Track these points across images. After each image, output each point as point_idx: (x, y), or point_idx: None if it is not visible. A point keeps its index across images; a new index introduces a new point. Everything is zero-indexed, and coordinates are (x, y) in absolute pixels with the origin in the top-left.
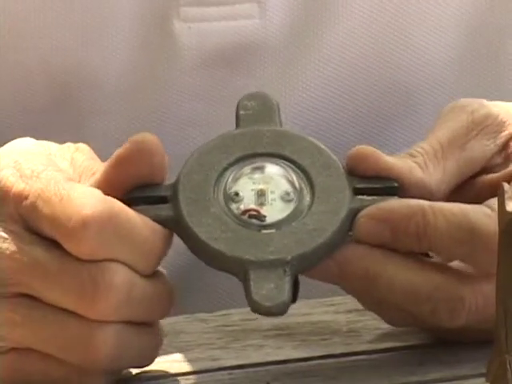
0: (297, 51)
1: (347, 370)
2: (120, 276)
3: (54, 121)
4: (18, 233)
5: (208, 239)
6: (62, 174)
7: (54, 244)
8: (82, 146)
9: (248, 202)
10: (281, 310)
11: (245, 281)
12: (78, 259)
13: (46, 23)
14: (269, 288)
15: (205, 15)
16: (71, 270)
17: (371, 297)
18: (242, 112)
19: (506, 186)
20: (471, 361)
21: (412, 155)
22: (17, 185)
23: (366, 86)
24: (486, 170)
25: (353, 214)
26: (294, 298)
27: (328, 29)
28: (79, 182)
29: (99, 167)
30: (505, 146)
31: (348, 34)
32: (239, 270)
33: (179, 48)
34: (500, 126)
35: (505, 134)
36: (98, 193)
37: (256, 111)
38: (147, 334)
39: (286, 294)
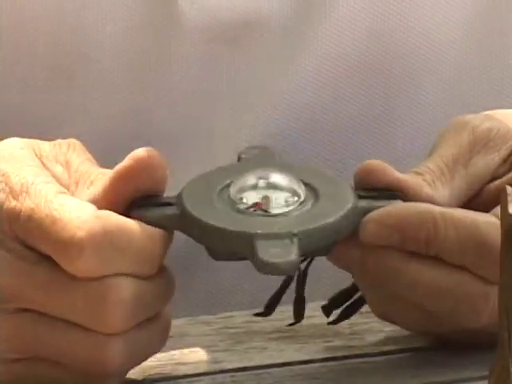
0: (299, 28)
1: (350, 372)
2: (127, 288)
3: (51, 90)
4: (17, 251)
5: (215, 222)
6: (52, 187)
7: (56, 263)
8: (73, 142)
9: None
10: (289, 268)
11: (251, 252)
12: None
13: None
14: (275, 250)
15: None
16: (77, 288)
17: (386, 292)
18: (243, 156)
19: (509, 188)
20: (474, 363)
21: (419, 173)
22: (7, 202)
23: (367, 62)
24: (491, 180)
25: (359, 213)
26: (299, 316)
27: (331, 5)
28: (76, 189)
29: (96, 173)
30: (509, 155)
31: (352, 10)
32: (246, 245)
33: (183, 23)
34: (503, 137)
35: (508, 146)
36: (91, 209)
37: (257, 156)
38: (155, 325)
39: (294, 254)
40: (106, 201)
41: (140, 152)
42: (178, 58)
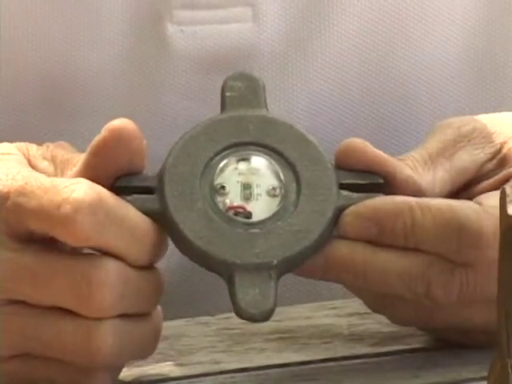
0: (292, 55)
1: (349, 373)
2: (113, 271)
3: (44, 120)
4: (1, 241)
5: (194, 238)
6: (39, 174)
7: (42, 248)
8: (62, 143)
9: (234, 195)
10: (264, 317)
11: (230, 284)
12: (69, 258)
13: (38, 24)
14: (254, 294)
15: (197, 18)
16: (63, 270)
17: (361, 288)
18: (227, 93)
19: (507, 189)
20: (473, 364)
21: (401, 159)
22: None
23: (363, 91)
24: (478, 178)
25: (338, 212)
26: None
27: (324, 33)
28: (62, 176)
29: (79, 157)
30: (496, 153)
31: (345, 38)
32: (224, 271)
33: (172, 51)
34: (487, 137)
35: (494, 144)
36: (84, 180)
37: (242, 93)
38: (144, 323)
39: (271, 300)
40: (87, 173)
41: (114, 123)
42: (168, 85)
